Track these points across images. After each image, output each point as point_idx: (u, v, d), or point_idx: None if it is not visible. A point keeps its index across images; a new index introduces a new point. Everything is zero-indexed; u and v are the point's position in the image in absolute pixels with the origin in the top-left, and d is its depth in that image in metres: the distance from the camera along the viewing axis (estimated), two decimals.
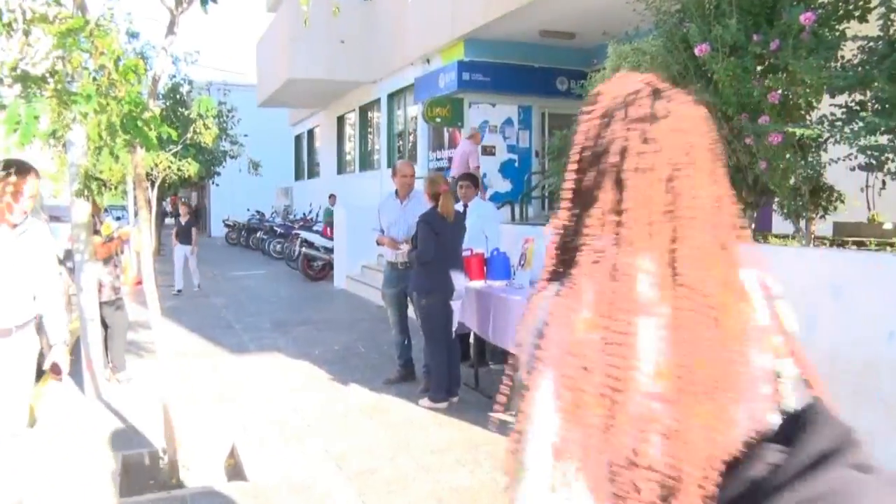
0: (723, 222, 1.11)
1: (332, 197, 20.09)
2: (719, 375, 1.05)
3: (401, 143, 16.88)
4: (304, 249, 15.30)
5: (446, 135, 14.15)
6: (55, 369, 3.66)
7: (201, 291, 13.28)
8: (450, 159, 14.08)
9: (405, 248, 6.01)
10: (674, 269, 1.07)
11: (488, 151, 13.29)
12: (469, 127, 12.76)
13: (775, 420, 1.12)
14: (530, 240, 6.12)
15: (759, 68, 4.72)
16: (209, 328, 9.60)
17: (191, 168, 13.89)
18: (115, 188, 14.99)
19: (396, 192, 6.41)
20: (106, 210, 13.12)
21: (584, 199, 1.14)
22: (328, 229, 16.10)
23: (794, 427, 1.06)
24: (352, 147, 20.95)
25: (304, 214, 22.00)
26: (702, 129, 1.12)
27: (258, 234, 22.99)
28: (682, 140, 1.10)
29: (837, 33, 4.55)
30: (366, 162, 19.30)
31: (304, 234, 15.56)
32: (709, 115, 1.16)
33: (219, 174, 23.50)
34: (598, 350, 1.05)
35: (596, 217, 1.10)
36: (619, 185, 1.09)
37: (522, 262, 6.01)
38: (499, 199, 11.38)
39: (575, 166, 1.17)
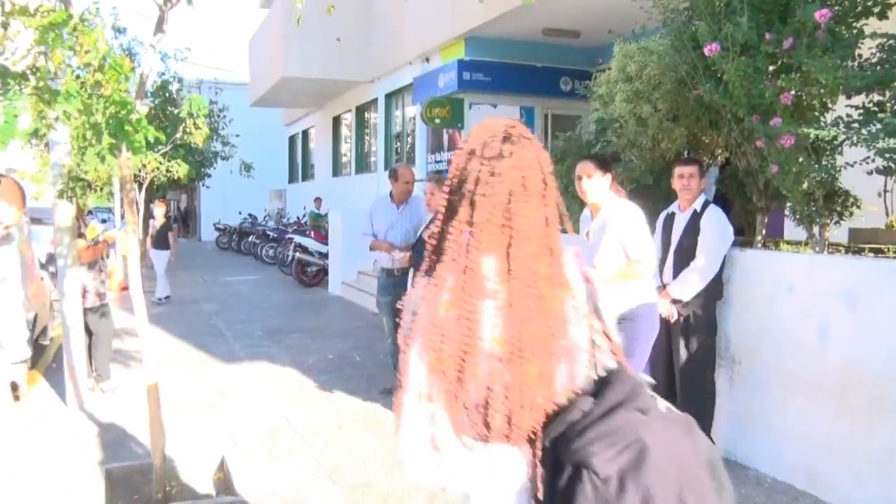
0: (550, 234, 1.59)
1: (317, 200, 19.88)
2: (542, 343, 1.52)
3: (398, 144, 16.74)
4: (297, 254, 15.21)
5: (446, 136, 14.02)
6: (14, 387, 3.63)
7: (170, 302, 12.75)
8: (450, 161, 14.19)
9: (399, 255, 5.78)
10: (509, 266, 1.55)
11: None
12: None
13: (592, 378, 1.62)
14: None
15: (771, 68, 4.69)
16: (199, 336, 9.52)
17: (180, 169, 13.84)
18: (101, 189, 14.96)
19: (391, 194, 6.28)
20: (91, 212, 13.04)
21: (450, 215, 1.62)
22: (312, 233, 16.00)
23: (602, 384, 1.58)
24: (348, 149, 20.83)
25: (297, 218, 21.96)
26: (536, 167, 1.60)
27: (250, 239, 22.88)
28: (518, 175, 1.58)
29: (855, 31, 4.50)
30: (362, 164, 19.18)
31: (298, 239, 15.48)
32: (545, 156, 1.63)
33: (209, 176, 23.29)
34: (454, 323, 1.53)
35: (455, 227, 1.58)
36: (472, 205, 1.58)
37: None
38: None
39: (447, 189, 1.66)
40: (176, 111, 16.30)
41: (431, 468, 1.58)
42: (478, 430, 1.57)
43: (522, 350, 1.53)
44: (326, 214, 19.29)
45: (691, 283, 4.71)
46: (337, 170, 21.53)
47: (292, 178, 27.97)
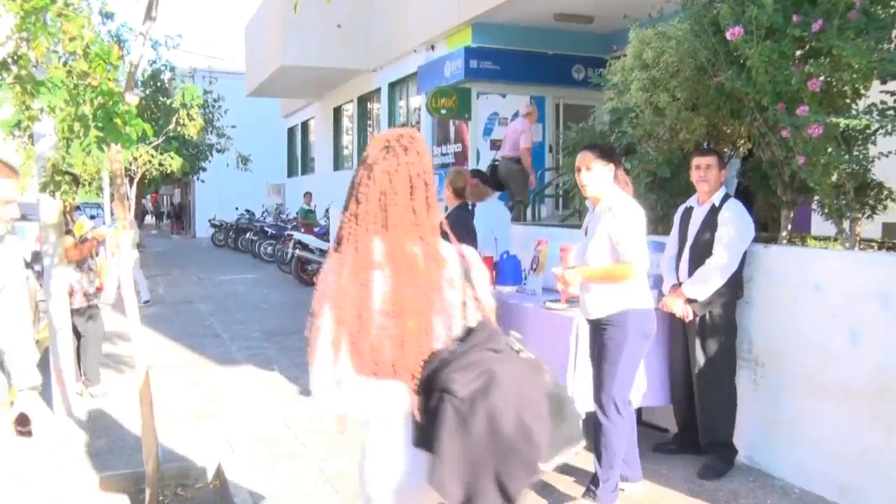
0: (420, 221, 2.15)
1: (307, 195, 19.68)
2: (420, 303, 2.10)
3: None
4: (297, 252, 15.09)
5: (452, 128, 13.84)
6: (22, 421, 3.39)
7: (150, 305, 12.49)
8: (456, 155, 13.94)
9: None
10: (389, 246, 2.14)
11: (498, 146, 12.77)
12: (523, 105, 12.00)
13: (462, 328, 2.19)
14: (543, 242, 5.96)
15: (798, 53, 4.62)
16: (194, 337, 9.44)
17: (173, 163, 13.76)
18: (89, 184, 14.89)
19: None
20: (79, 208, 12.85)
21: (348, 206, 2.23)
22: (304, 230, 15.97)
23: (468, 332, 2.15)
24: (350, 141, 20.55)
25: (297, 213, 21.73)
26: (403, 171, 2.16)
27: (247, 235, 22.63)
28: (387, 178, 2.17)
29: (893, 10, 4.39)
30: None
31: (298, 236, 15.37)
32: (416, 162, 2.16)
33: (204, 169, 23.04)
34: (352, 288, 2.10)
35: (349, 216, 2.19)
36: (357, 200, 2.19)
37: (535, 266, 5.89)
38: (508, 198, 11.00)
39: (350, 188, 2.24)
40: (168, 101, 16.10)
41: (335, 399, 2.13)
42: (371, 369, 2.15)
43: (403, 308, 2.14)
44: (315, 211, 19.03)
45: (708, 282, 4.60)
46: (338, 163, 21.28)
47: (291, 172, 27.55)
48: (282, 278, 16.42)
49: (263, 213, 25.77)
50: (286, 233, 16.84)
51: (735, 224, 4.58)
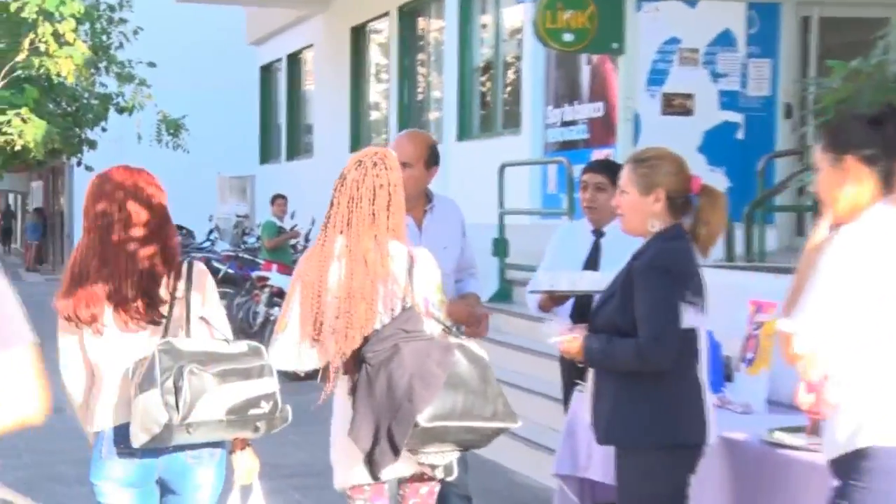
0: (378, 223, 3.39)
1: (279, 200, 13.43)
2: (368, 290, 3.34)
3: (487, 85, 12.90)
4: (278, 311, 9.92)
5: (585, 70, 10.29)
6: None
7: None
8: (593, 124, 10.33)
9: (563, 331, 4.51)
10: (348, 242, 3.40)
11: (676, 106, 9.84)
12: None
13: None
14: (764, 308, 4.64)
15: None
16: None
17: (26, 131, 9.74)
18: None
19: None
20: None
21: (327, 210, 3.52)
22: (272, 265, 12.00)
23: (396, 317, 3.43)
24: (383, 94, 15.29)
25: (260, 233, 14.01)
26: (369, 184, 3.39)
27: None
28: (353, 187, 3.43)
29: None
30: (413, 122, 13.91)
31: (278, 280, 11.39)
32: (381, 176, 3.46)
33: (91, 145, 16.24)
34: (315, 275, 3.42)
35: (325, 216, 3.51)
36: (331, 203, 3.49)
37: (750, 356, 4.64)
38: None
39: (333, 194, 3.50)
40: (12, 6, 10.66)
41: (293, 363, 3.44)
42: (316, 338, 3.37)
43: (352, 293, 3.28)
44: (288, 227, 13.22)
45: None
46: (361, 135, 15.61)
47: (268, 155, 20.10)
48: None
49: (212, 232, 17.66)
50: (256, 273, 12.27)
51: None
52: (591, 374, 3.77)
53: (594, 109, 10.58)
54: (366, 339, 3.27)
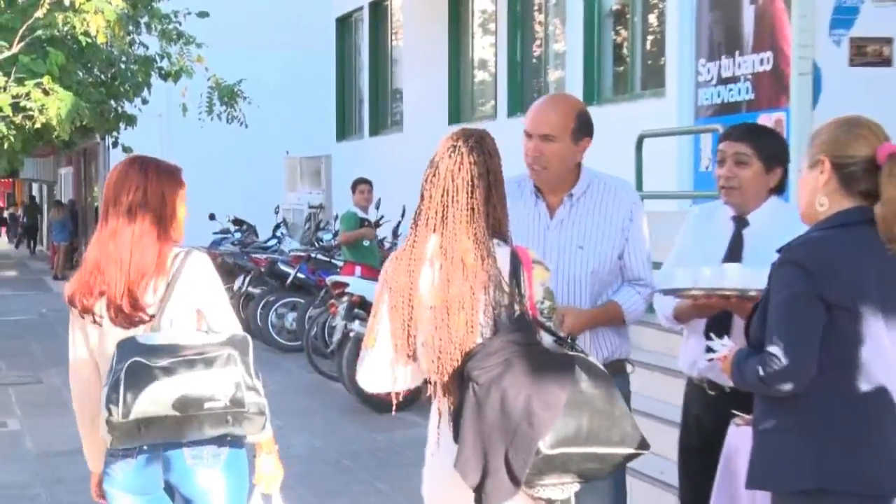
0: (477, 220, 3.41)
1: (362, 185, 12.79)
2: (465, 298, 3.33)
3: (622, 34, 12.44)
4: (357, 326, 10.28)
5: (748, 12, 10.19)
6: None
7: None
8: (757, 80, 9.75)
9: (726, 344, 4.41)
10: (443, 242, 3.41)
11: (868, 54, 9.40)
12: None
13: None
14: None
15: None
16: None
17: (49, 106, 9.50)
18: None
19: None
20: None
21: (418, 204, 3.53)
22: (354, 268, 11.75)
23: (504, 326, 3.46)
24: (490, 50, 14.93)
25: (338, 227, 14.01)
26: (466, 173, 3.44)
27: (240, 285, 15.18)
28: (448, 178, 3.46)
29: None
30: (528, 83, 13.88)
31: (358, 286, 10.90)
32: (478, 164, 3.58)
33: (130, 122, 15.61)
34: (405, 280, 3.49)
35: (415, 212, 3.60)
36: (422, 197, 3.53)
37: None
38: None
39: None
40: None
41: (385, 382, 3.50)
42: (411, 354, 3.36)
43: (449, 302, 3.22)
44: (375, 220, 12.72)
45: None
46: (462, 104, 15.44)
47: (346, 130, 19.71)
48: (319, 388, 11.67)
49: (278, 227, 16.97)
50: (333, 277, 11.70)
51: None
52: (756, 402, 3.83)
53: (760, 62, 10.28)
54: (467, 355, 3.25)
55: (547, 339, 3.36)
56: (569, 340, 3.41)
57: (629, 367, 5.15)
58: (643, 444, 3.25)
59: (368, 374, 3.42)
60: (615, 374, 4.66)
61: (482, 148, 3.40)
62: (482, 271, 3.29)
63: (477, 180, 3.38)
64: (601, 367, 3.33)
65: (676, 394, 6.60)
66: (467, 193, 3.37)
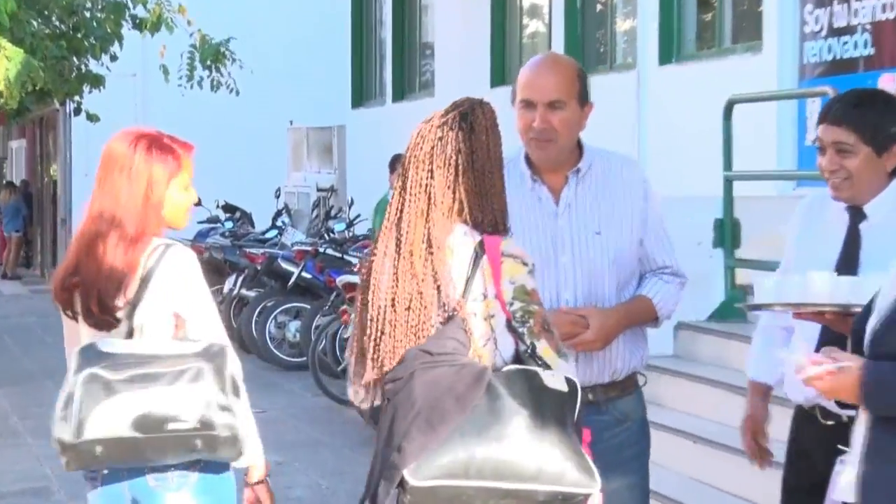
0: (435, 208, 3.53)
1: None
2: (413, 296, 3.41)
3: None
4: None
5: None
6: None
7: None
8: (874, 29, 9.54)
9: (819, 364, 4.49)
10: (398, 235, 3.54)
11: None
12: None
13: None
14: None
15: None
16: None
17: None
18: None
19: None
20: None
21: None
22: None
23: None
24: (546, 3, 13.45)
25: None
26: (422, 154, 3.63)
27: (231, 286, 14.73)
28: (408, 163, 3.80)
29: None
30: (589, 38, 13.37)
31: None
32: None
33: (96, 83, 14.79)
34: (364, 279, 3.72)
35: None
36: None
37: None
38: None
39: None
40: None
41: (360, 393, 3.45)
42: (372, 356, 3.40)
43: (395, 301, 3.29)
44: None
45: None
46: (507, 62, 14.71)
47: (364, 95, 18.74)
48: (329, 415, 11.07)
49: (279, 215, 16.79)
50: (344, 277, 11.43)
51: None
52: (859, 431, 3.73)
53: (882, 8, 9.71)
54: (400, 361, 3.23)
55: (509, 350, 3.34)
56: (529, 352, 3.32)
57: (641, 380, 5.09)
58: (586, 481, 3.08)
59: (350, 385, 3.47)
60: (625, 392, 4.76)
61: (459, 123, 3.35)
62: (430, 266, 3.30)
63: (438, 159, 3.39)
64: (558, 386, 3.19)
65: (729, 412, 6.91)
66: (427, 173, 3.39)
